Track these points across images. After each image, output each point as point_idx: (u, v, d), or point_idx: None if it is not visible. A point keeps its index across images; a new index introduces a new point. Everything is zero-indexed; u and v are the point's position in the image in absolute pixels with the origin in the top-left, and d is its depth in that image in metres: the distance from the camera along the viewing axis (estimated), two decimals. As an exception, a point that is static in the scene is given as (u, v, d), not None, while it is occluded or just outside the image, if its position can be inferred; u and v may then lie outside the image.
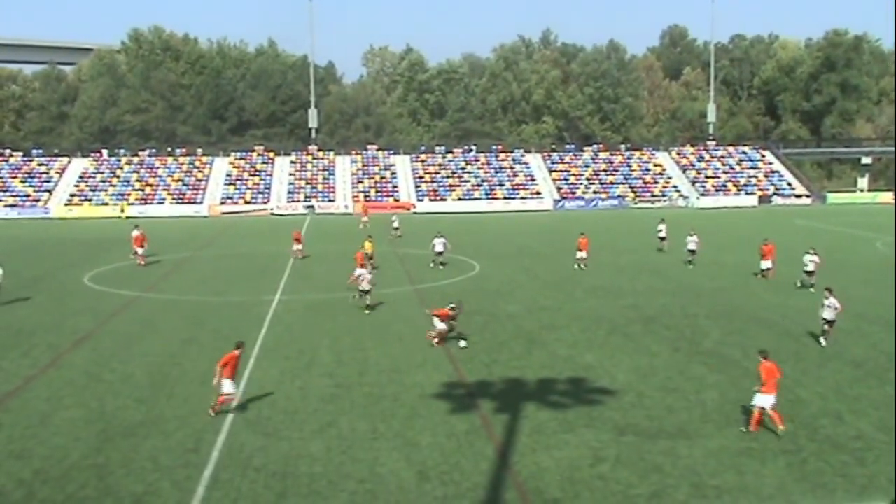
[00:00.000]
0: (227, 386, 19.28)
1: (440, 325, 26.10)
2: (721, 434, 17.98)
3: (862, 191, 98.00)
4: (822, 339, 25.43)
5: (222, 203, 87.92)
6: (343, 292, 35.11)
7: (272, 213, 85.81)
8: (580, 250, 41.99)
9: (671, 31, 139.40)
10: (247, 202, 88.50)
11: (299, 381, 22.31)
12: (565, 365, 23.80)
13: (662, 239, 48.48)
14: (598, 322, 29.63)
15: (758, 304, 32.77)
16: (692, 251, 42.78)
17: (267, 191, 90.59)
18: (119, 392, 21.48)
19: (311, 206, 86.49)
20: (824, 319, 25.33)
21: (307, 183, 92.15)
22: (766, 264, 37.95)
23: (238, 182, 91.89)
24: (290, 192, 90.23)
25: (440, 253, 42.80)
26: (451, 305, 26.89)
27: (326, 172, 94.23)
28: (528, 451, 17.12)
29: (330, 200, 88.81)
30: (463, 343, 25.91)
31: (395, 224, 59.87)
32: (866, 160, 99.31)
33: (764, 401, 17.71)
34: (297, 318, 30.97)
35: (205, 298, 35.60)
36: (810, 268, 35.24)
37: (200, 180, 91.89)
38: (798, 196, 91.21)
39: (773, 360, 18.51)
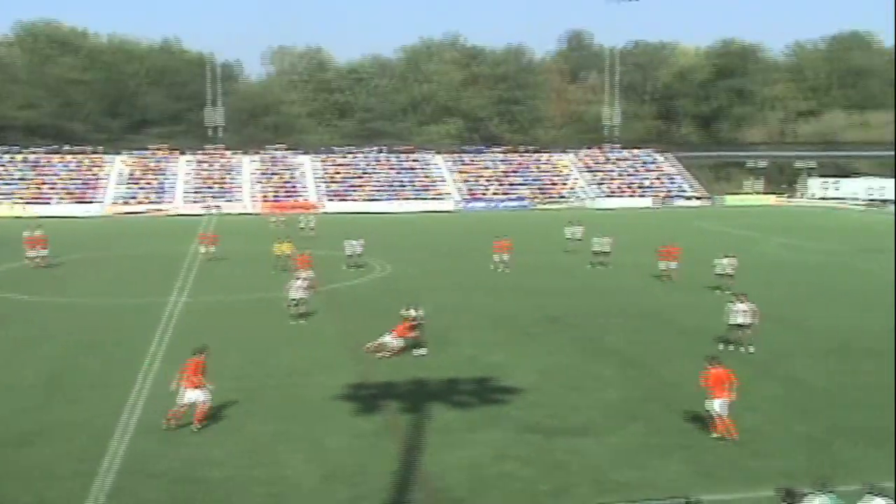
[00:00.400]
0: (192, 395, 18.20)
1: (394, 342, 24.67)
2: (622, 430, 18.45)
3: (756, 193, 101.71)
4: (740, 347, 24.79)
5: (119, 203, 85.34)
6: (249, 294, 34.57)
7: (173, 214, 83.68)
8: (500, 252, 41.82)
9: (574, 35, 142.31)
10: (146, 202, 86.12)
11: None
12: (471, 365, 23.99)
13: (575, 240, 48.80)
14: (504, 322, 29.98)
15: (658, 303, 33.70)
16: (599, 253, 42.94)
17: (167, 190, 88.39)
18: (11, 399, 20.59)
19: (214, 207, 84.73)
20: (736, 325, 25.03)
21: (209, 183, 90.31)
22: (670, 265, 38.63)
23: (136, 181, 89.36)
24: (191, 192, 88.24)
25: (356, 255, 42.58)
26: (409, 314, 25.45)
27: (230, 172, 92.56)
28: (434, 451, 17.20)
29: (233, 201, 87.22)
30: (421, 351, 24.84)
31: (309, 224, 59.54)
32: (759, 164, 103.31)
33: (716, 406, 17.64)
34: (201, 320, 30.29)
35: (104, 301, 34.52)
36: (727, 271, 35.47)
37: (96, 179, 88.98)
38: (694, 198, 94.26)
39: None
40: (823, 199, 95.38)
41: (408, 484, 15.74)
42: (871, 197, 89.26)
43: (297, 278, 31.01)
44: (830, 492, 12.14)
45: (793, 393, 21.30)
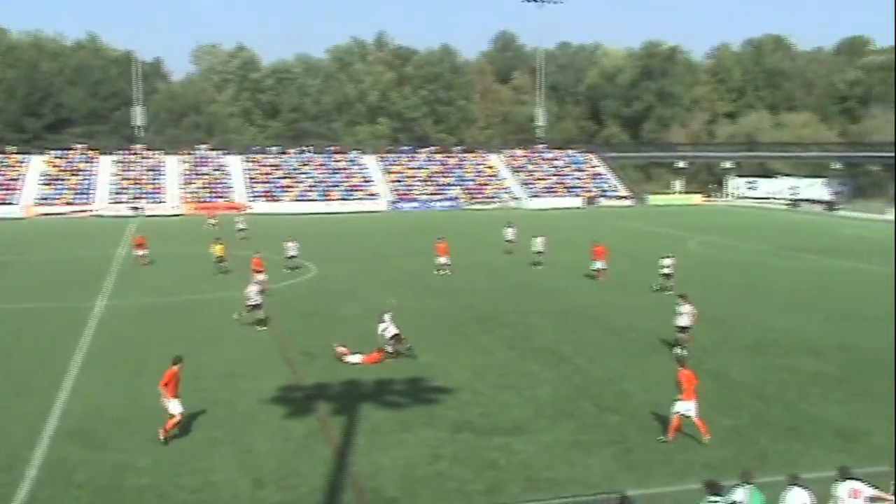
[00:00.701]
0: (174, 406, 17.75)
1: (354, 360, 24.24)
2: (554, 428, 18.60)
3: (682, 193, 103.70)
4: (678, 349, 24.60)
5: (39, 204, 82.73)
6: (177, 296, 33.84)
7: (95, 215, 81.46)
8: (440, 255, 41.44)
9: (502, 36, 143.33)
10: (67, 203, 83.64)
11: (127, 390, 21.29)
12: (403, 365, 23.92)
13: (510, 241, 49.08)
14: (435, 322, 29.97)
15: (588, 302, 34.05)
16: (540, 252, 43.42)
17: (89, 191, 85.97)
18: (-78, 409, 19.78)
19: (138, 208, 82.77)
20: (678, 327, 25.29)
21: (133, 183, 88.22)
22: (599, 265, 39.06)
23: (56, 182, 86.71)
24: (114, 193, 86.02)
25: (293, 256, 42.11)
26: (386, 329, 24.79)
27: (154, 172, 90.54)
28: (365, 452, 17.10)
29: (158, 202, 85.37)
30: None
31: (242, 225, 58.63)
32: (681, 164, 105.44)
33: (684, 407, 17.72)
34: (125, 324, 29.58)
35: (23, 305, 33.38)
36: (666, 270, 35.97)
37: (13, 180, 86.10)
38: (621, 198, 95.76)
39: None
40: (748, 198, 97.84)
41: (340, 486, 15.61)
42: (795, 197, 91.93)
43: (254, 281, 30.57)
44: (754, 483, 12.42)
45: (719, 388, 21.75)
